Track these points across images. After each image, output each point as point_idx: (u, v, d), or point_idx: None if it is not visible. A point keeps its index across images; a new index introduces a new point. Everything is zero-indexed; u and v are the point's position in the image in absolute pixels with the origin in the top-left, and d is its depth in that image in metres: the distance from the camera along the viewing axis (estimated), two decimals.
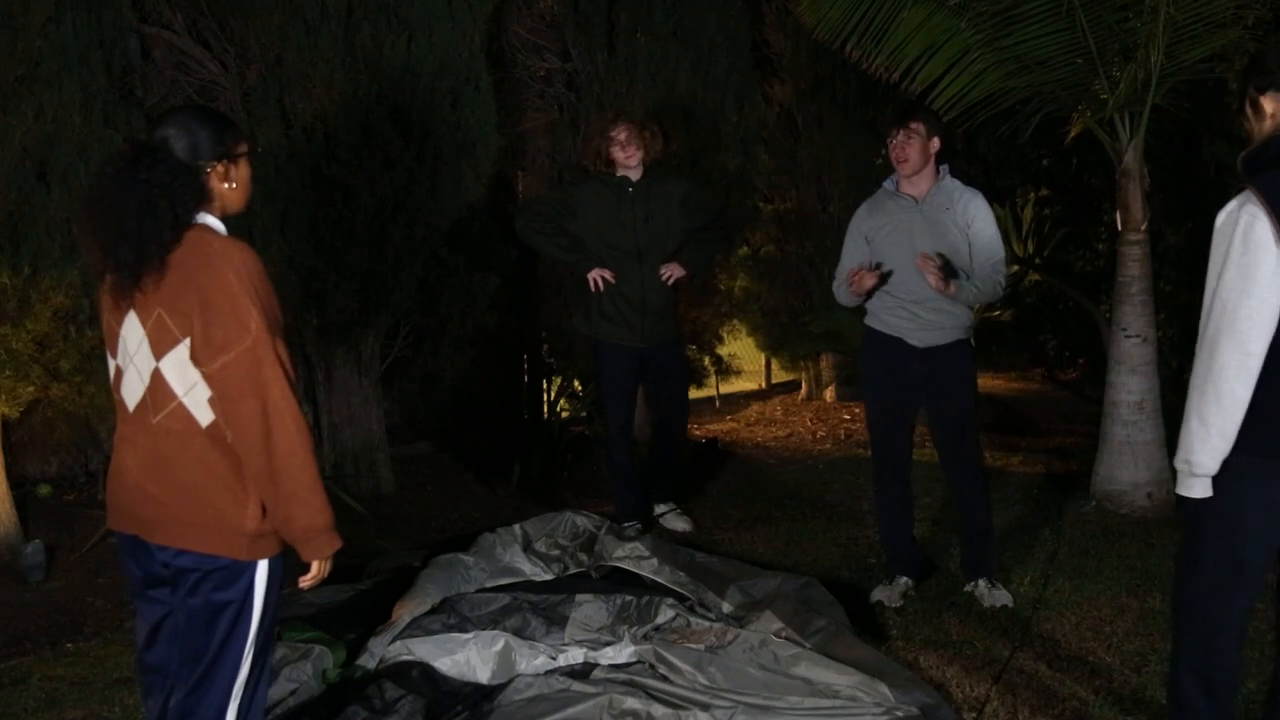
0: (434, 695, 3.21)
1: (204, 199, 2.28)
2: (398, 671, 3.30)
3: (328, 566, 2.33)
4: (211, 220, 2.30)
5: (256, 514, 2.23)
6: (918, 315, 4.02)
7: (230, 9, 5.30)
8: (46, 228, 4.53)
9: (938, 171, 4.06)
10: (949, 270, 3.94)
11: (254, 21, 5.25)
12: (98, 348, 4.64)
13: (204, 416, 2.22)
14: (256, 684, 2.33)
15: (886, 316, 4.09)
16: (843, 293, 4.16)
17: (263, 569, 2.27)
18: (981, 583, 4.17)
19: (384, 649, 3.42)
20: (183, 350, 2.20)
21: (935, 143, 4.00)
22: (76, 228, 2.24)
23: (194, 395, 2.21)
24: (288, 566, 2.36)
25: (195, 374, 2.20)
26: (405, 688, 3.18)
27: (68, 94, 4.55)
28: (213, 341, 2.15)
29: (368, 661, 3.38)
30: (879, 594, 4.21)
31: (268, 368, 2.16)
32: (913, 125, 3.97)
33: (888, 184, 4.12)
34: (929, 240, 3.97)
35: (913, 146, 3.97)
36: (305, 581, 2.34)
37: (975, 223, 4.00)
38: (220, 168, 2.30)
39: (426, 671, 3.32)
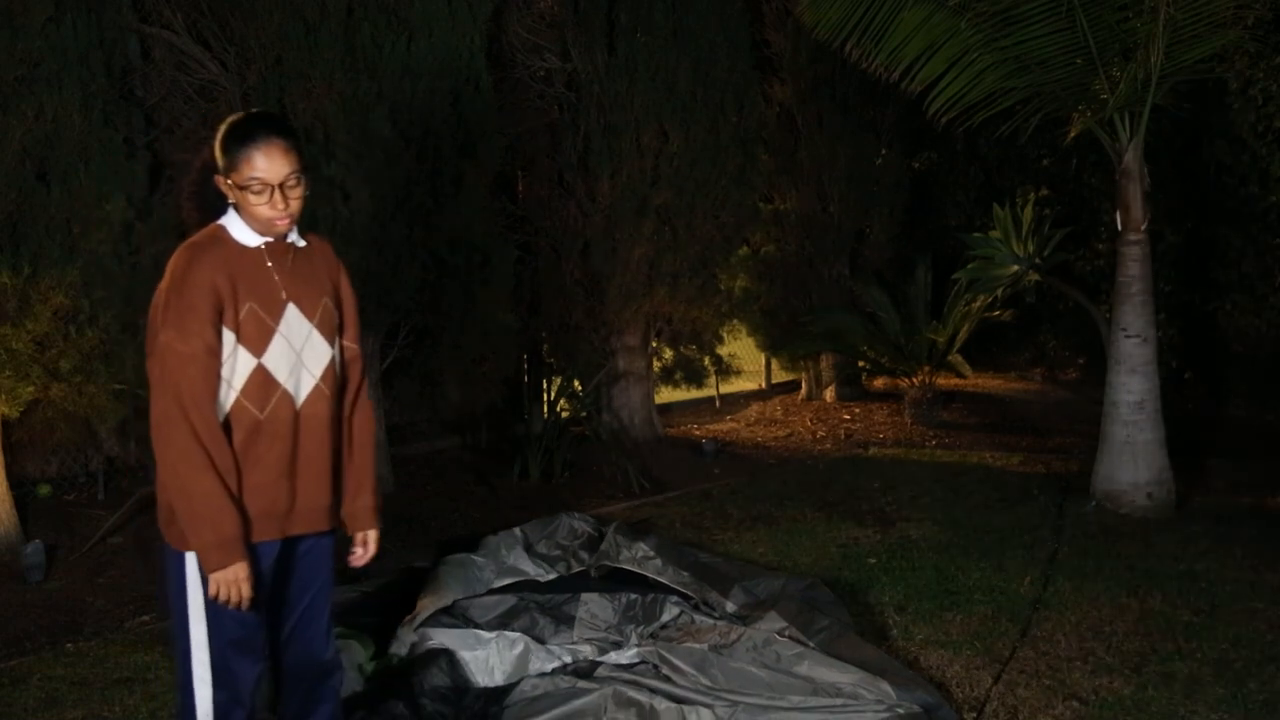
0: (458, 701, 3.26)
1: (218, 203, 2.32)
2: (428, 659, 3.38)
3: (224, 588, 2.20)
4: (226, 222, 2.33)
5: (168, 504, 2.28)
6: None
7: (230, 9, 5.29)
8: (46, 228, 4.54)
9: None
10: None
11: (254, 21, 5.25)
12: (98, 348, 4.64)
13: None
14: (213, 683, 2.30)
15: None
16: None
17: (191, 559, 2.26)
18: None
19: (412, 636, 3.50)
20: None
21: None
22: None
23: None
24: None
25: None
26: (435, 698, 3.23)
27: (68, 94, 4.55)
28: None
29: (399, 649, 3.47)
30: None
31: (153, 379, 2.20)
32: None
33: None
34: None
35: None
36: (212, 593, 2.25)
37: None
38: (226, 181, 2.29)
39: (452, 659, 3.40)
